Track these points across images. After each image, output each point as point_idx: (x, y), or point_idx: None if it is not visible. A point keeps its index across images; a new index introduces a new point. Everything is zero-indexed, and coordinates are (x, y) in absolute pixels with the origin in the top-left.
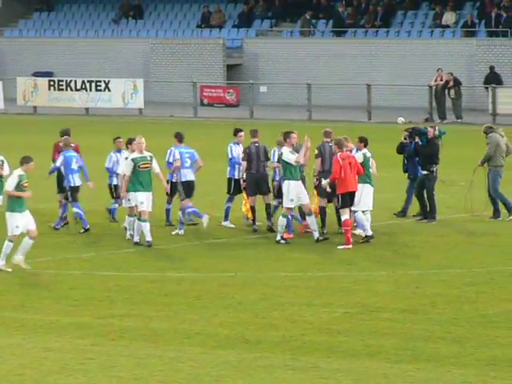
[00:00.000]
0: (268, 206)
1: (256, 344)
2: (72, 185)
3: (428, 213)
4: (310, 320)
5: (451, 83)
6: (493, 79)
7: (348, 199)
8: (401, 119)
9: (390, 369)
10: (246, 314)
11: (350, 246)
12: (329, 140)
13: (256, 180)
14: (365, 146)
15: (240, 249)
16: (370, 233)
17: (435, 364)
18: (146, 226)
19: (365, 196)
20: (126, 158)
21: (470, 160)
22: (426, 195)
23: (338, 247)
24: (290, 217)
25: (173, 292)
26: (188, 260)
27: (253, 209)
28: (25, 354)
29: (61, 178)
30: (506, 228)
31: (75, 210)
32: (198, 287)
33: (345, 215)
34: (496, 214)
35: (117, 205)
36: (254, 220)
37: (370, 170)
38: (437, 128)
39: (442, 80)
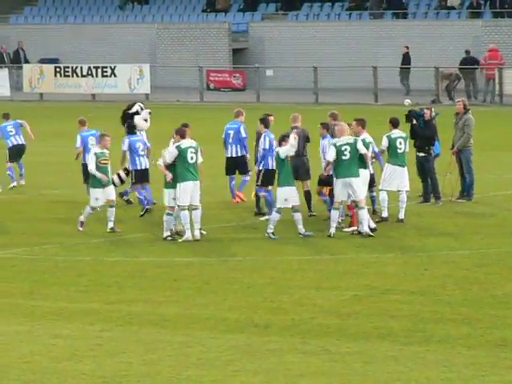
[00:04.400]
0: (307, 192)
1: (265, 328)
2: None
3: (432, 195)
4: (319, 303)
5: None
6: (469, 63)
7: None
8: (407, 101)
9: (400, 351)
10: (255, 298)
11: (356, 228)
12: (336, 122)
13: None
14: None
15: (248, 233)
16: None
17: (445, 345)
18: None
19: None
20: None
21: (477, 142)
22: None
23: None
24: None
25: (181, 277)
26: (196, 245)
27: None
28: (34, 341)
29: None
30: None
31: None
32: (207, 272)
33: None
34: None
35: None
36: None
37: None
38: (433, 109)
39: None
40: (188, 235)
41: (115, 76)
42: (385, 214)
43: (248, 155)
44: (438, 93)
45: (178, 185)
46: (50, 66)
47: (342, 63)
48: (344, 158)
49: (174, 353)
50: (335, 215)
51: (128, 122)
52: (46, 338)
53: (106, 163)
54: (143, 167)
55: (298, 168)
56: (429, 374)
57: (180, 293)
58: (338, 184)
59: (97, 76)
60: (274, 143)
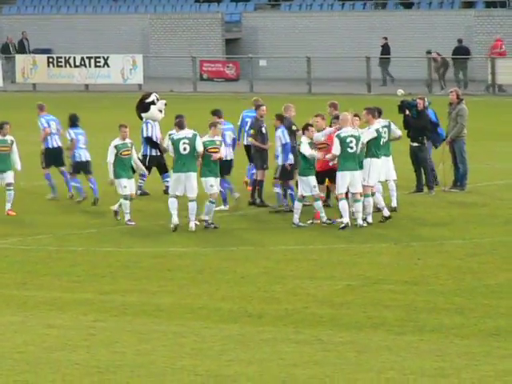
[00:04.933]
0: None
1: (258, 318)
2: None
3: (425, 184)
4: (313, 293)
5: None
6: (462, 52)
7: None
8: (400, 91)
9: (394, 340)
10: (249, 287)
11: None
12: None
13: None
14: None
15: (241, 223)
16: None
17: (438, 335)
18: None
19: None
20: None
21: (470, 131)
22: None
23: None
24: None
25: (175, 267)
26: (189, 235)
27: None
28: (27, 331)
29: None
30: (507, 199)
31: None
32: (200, 262)
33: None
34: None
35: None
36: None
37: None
38: (426, 99)
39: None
40: (175, 219)
41: (108, 66)
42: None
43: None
44: (430, 82)
45: (172, 174)
46: (42, 56)
47: (335, 53)
48: (350, 150)
49: (168, 343)
50: (345, 206)
51: (71, 114)
52: (40, 328)
53: (128, 154)
54: (83, 159)
55: None
56: (422, 363)
57: (174, 283)
58: (342, 176)
59: (90, 66)
60: (286, 136)
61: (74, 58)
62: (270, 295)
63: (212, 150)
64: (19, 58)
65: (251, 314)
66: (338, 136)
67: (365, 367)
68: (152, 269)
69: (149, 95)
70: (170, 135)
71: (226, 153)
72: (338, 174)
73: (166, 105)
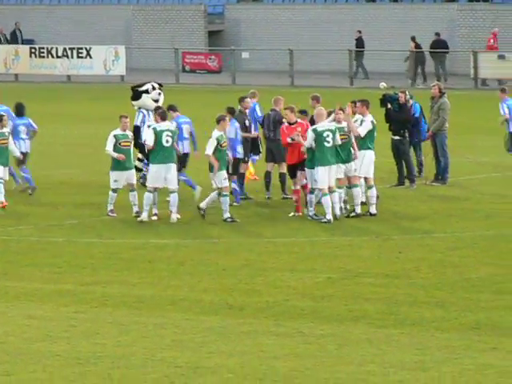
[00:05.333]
0: (283, 174)
1: (239, 310)
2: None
3: (406, 177)
4: (294, 285)
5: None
6: (440, 45)
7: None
8: (383, 84)
9: (374, 333)
10: (230, 280)
11: (300, 214)
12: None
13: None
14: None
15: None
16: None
17: (419, 328)
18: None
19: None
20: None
21: (453, 125)
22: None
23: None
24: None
25: (156, 258)
26: (170, 226)
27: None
28: (8, 322)
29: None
30: (488, 193)
31: None
32: (181, 254)
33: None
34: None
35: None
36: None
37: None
38: (407, 93)
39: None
40: (144, 216)
41: (91, 57)
42: (363, 199)
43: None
44: (413, 76)
45: (150, 166)
46: (25, 46)
47: (317, 46)
48: (327, 144)
49: (149, 334)
50: (328, 201)
51: (16, 103)
52: (20, 319)
53: (127, 145)
54: (23, 150)
55: (272, 151)
56: (402, 356)
57: (155, 274)
58: (322, 171)
59: (72, 57)
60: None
61: (57, 48)
62: (251, 287)
63: (225, 145)
64: (1, 48)
65: (232, 306)
66: (314, 130)
67: (345, 360)
68: (133, 260)
69: (144, 84)
70: (150, 126)
71: (183, 146)
72: (317, 169)
73: (160, 94)
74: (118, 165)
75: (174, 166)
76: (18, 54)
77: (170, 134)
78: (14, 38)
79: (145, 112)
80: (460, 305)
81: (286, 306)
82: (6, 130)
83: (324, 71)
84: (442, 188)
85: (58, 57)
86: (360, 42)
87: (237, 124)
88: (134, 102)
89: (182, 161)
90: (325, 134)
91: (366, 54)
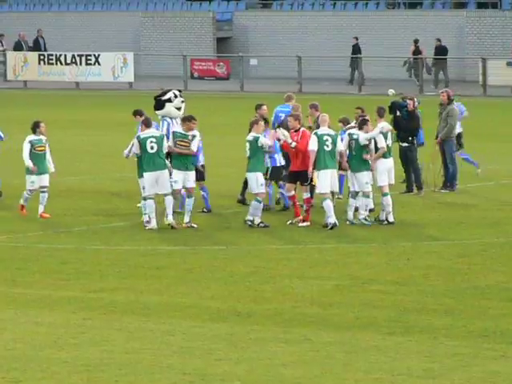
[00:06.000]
0: None
1: (248, 317)
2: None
3: (414, 185)
4: (302, 292)
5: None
6: (441, 51)
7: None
8: (391, 91)
9: (382, 341)
10: (238, 286)
11: (309, 223)
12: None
13: None
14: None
15: (231, 221)
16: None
17: (427, 336)
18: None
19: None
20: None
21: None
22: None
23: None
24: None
25: (164, 265)
26: (178, 233)
27: None
28: (16, 329)
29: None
30: (497, 200)
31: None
32: (189, 260)
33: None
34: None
35: None
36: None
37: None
38: (415, 99)
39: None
40: (153, 224)
41: (99, 64)
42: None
43: None
44: (421, 83)
45: (144, 174)
46: (33, 53)
47: (326, 53)
48: (327, 148)
49: (157, 341)
50: (330, 205)
51: None
52: (28, 326)
53: (41, 150)
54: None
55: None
56: (411, 364)
57: (162, 281)
58: (323, 175)
59: (81, 64)
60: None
61: (65, 55)
62: (259, 294)
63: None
64: (10, 55)
65: (240, 313)
66: (315, 133)
67: (353, 367)
68: (141, 267)
69: (166, 92)
70: (137, 136)
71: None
72: (317, 173)
73: (183, 102)
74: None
75: (164, 172)
76: (26, 60)
77: (154, 140)
78: (36, 46)
79: (169, 120)
80: (468, 312)
81: (294, 313)
82: (44, 137)
83: (332, 78)
84: (451, 195)
85: (66, 64)
86: (356, 49)
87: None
88: (157, 112)
89: (201, 172)
90: (324, 138)
91: (373, 61)
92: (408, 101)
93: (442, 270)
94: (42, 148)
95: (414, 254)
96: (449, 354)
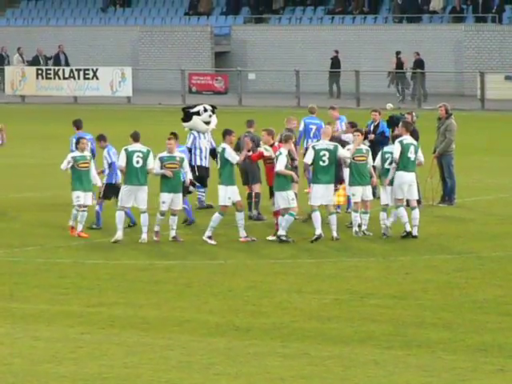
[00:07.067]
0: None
1: (246, 331)
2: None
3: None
4: (300, 307)
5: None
6: (419, 65)
7: None
8: (389, 105)
9: (381, 355)
10: (236, 301)
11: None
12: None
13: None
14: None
15: (229, 236)
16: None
17: (426, 350)
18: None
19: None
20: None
21: (459, 146)
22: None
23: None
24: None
25: (162, 280)
26: (177, 247)
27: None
28: (14, 344)
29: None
30: (495, 214)
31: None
32: (188, 275)
33: None
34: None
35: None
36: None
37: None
38: (414, 114)
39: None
40: (119, 235)
41: (97, 79)
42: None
43: None
44: (419, 97)
45: (123, 186)
46: (31, 68)
47: (323, 67)
48: (322, 163)
49: (155, 356)
50: (318, 217)
51: None
52: (27, 341)
53: (174, 167)
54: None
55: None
56: (409, 378)
57: (161, 296)
58: (315, 188)
59: (79, 78)
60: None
61: (63, 70)
62: (257, 309)
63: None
64: (8, 69)
65: (239, 327)
66: (313, 147)
67: (352, 381)
68: (139, 281)
69: (195, 105)
70: (125, 148)
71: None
72: (312, 186)
73: (211, 116)
74: (166, 186)
75: (145, 188)
76: (24, 75)
77: (140, 155)
78: (57, 61)
79: (196, 134)
80: (467, 326)
81: (292, 327)
82: (87, 153)
83: (343, 92)
84: (449, 209)
85: (64, 78)
86: (335, 62)
87: (111, 150)
88: (184, 124)
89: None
90: (321, 153)
91: (371, 75)
92: (406, 115)
93: (440, 284)
94: (86, 164)
95: (412, 268)
96: (447, 367)
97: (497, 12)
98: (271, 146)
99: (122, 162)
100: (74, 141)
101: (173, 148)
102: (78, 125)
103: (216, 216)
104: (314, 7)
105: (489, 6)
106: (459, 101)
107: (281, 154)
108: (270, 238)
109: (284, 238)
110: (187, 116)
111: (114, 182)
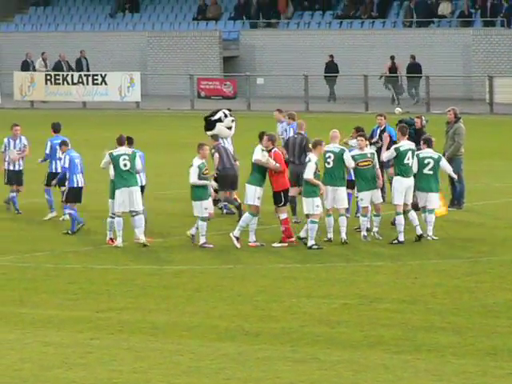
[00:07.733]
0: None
1: (255, 336)
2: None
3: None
4: (310, 311)
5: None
6: (415, 68)
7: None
8: (398, 109)
9: (390, 359)
10: (246, 306)
11: (286, 245)
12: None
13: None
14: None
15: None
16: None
17: (435, 354)
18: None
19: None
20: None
21: (468, 150)
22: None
23: (274, 245)
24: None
25: (171, 285)
26: (186, 252)
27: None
28: (24, 349)
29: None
30: (504, 218)
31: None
32: (197, 280)
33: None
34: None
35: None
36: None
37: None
38: (423, 118)
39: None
40: (119, 242)
41: (106, 84)
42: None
43: None
44: (428, 101)
45: (115, 191)
46: (40, 73)
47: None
48: (327, 165)
49: (165, 361)
50: (343, 221)
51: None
52: (36, 346)
53: (208, 173)
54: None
55: (299, 175)
56: (419, 382)
57: (170, 301)
58: (328, 192)
59: (87, 84)
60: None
61: (72, 75)
62: (266, 313)
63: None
64: (17, 75)
65: (248, 332)
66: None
67: None
68: (148, 287)
69: (215, 113)
70: (110, 153)
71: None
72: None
73: (233, 121)
74: (204, 194)
75: (137, 189)
76: (33, 80)
77: (126, 157)
78: (79, 66)
79: (220, 140)
80: (476, 330)
81: (301, 332)
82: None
83: (339, 96)
84: (458, 213)
85: (73, 83)
86: (331, 67)
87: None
88: (208, 133)
89: (78, 195)
90: (326, 155)
91: (379, 80)
92: (415, 119)
93: (449, 289)
94: None
95: (421, 273)
96: (457, 372)
97: (505, 16)
98: (269, 151)
99: (103, 163)
100: (49, 144)
101: (206, 154)
102: (55, 128)
103: (246, 216)
104: (323, 12)
105: (497, 10)
106: (468, 105)
107: (310, 160)
108: (276, 244)
109: (315, 247)
110: (210, 124)
111: (75, 185)
